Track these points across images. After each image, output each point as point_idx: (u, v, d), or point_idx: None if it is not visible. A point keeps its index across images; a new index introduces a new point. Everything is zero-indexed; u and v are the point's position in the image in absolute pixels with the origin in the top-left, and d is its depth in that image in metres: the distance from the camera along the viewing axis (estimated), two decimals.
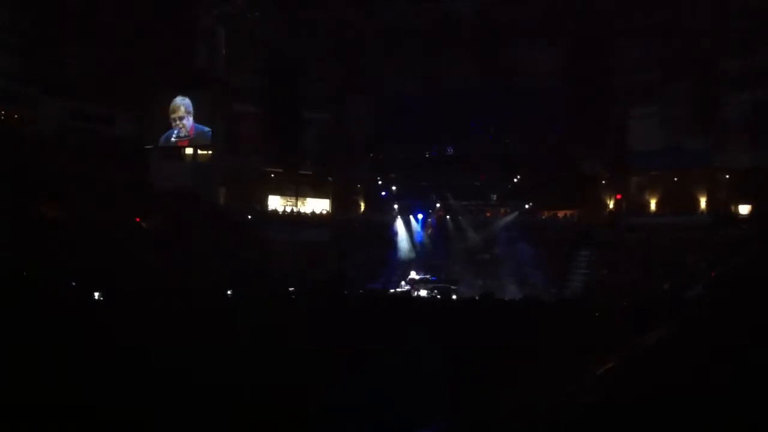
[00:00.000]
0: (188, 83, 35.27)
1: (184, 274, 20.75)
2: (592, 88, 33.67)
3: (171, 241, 26.69)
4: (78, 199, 26.34)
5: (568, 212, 37.43)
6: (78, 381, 5.15)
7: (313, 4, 34.27)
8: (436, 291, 29.69)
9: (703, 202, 33.57)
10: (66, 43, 31.10)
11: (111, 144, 31.96)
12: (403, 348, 6.93)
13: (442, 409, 5.20)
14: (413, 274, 32.04)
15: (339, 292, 22.06)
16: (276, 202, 39.04)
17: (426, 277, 31.65)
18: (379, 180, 39.42)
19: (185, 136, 36.01)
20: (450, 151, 38.05)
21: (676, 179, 34.57)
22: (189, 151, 36.76)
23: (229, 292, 19.16)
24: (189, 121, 35.75)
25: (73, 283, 16.27)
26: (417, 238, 37.71)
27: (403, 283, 31.61)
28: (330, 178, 39.77)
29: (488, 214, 38.03)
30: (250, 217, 36.48)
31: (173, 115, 35.83)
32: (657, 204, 35.02)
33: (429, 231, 38.12)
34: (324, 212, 39.52)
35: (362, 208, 40.18)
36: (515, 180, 37.31)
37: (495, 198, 38.05)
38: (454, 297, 28.31)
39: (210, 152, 36.78)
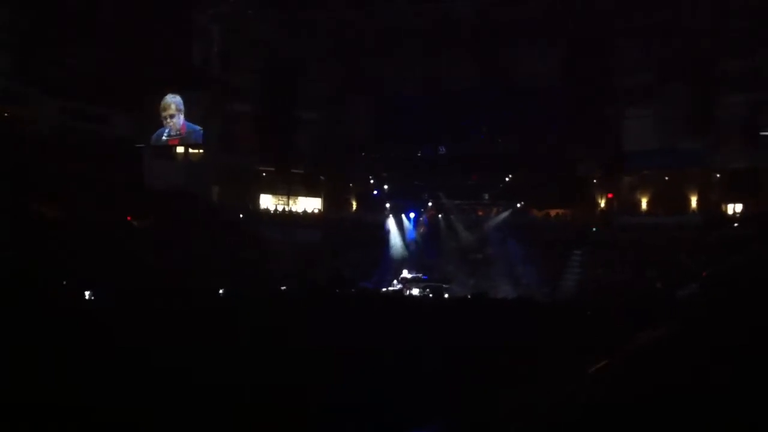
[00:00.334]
0: (181, 82, 35.13)
1: (181, 273, 20.71)
2: (589, 88, 33.75)
3: (166, 240, 26.61)
4: (76, 198, 26.26)
5: (561, 211, 37.54)
6: (78, 381, 5.13)
7: (312, 3, 34.22)
8: (428, 290, 29.72)
9: (694, 202, 33.74)
10: (62, 43, 30.95)
11: (108, 143, 31.84)
12: (402, 348, 6.93)
13: (442, 409, 5.21)
14: (405, 273, 32.05)
15: (334, 291, 22.04)
16: (268, 201, 38.97)
17: (418, 276, 31.65)
18: (372, 179, 39.39)
19: (177, 135, 35.85)
20: (442, 150, 38.03)
21: (667, 178, 34.73)
22: (180, 149, 36.63)
23: (221, 291, 19.16)
24: (180, 120, 35.61)
25: (64, 282, 16.21)
26: (409, 237, 37.67)
27: (395, 282, 31.62)
28: (322, 177, 39.72)
29: (480, 213, 38.07)
30: (242, 215, 36.39)
31: (164, 113, 35.68)
32: (648, 203, 35.18)
33: (421, 230, 38.12)
34: (316, 211, 39.49)
35: (354, 207, 40.17)
36: (507, 179, 37.32)
37: (487, 197, 38.06)
38: (446, 296, 28.36)
39: (201, 151, 36.65)
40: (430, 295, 28.60)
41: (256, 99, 36.85)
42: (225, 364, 5.93)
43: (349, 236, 35.90)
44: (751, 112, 31.11)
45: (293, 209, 39.15)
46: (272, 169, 38.44)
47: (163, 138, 35.81)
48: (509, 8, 32.87)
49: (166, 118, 35.59)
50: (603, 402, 4.73)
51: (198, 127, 35.58)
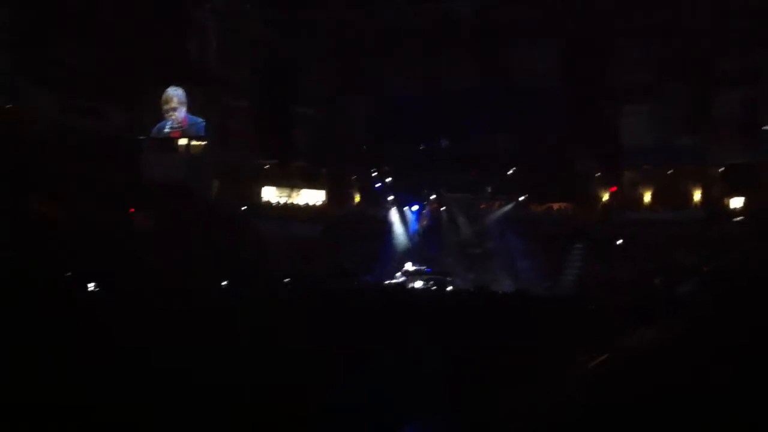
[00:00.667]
0: (183, 76, 35.00)
1: (182, 270, 20.71)
2: (589, 86, 33.75)
3: (166, 239, 26.57)
4: (76, 198, 26.23)
5: (562, 205, 37.53)
6: (78, 381, 5.14)
7: (312, 3, 34.15)
8: (431, 282, 29.82)
9: (695, 197, 33.73)
10: (59, 38, 30.81)
11: (108, 141, 31.72)
12: (402, 347, 6.93)
13: (442, 409, 5.22)
14: (408, 266, 32.13)
15: (334, 287, 22.02)
16: (270, 194, 38.91)
17: (421, 269, 31.80)
18: (374, 172, 39.37)
19: (178, 127, 35.75)
20: (443, 144, 38.07)
21: (669, 172, 34.71)
22: (182, 142, 36.53)
23: (223, 283, 19.16)
24: (182, 112, 35.50)
25: (67, 275, 16.22)
26: (412, 230, 37.73)
27: (398, 274, 31.71)
28: (324, 170, 39.69)
29: (483, 206, 38.09)
30: (244, 208, 36.32)
31: (166, 106, 35.55)
32: (650, 199, 35.16)
33: (424, 223, 38.16)
34: (318, 204, 39.46)
35: (356, 200, 40.16)
36: (509, 173, 37.31)
37: (489, 190, 38.09)
38: (449, 288, 28.47)
39: (203, 143, 36.56)
40: (434, 288, 28.72)
41: (256, 95, 36.81)
42: (225, 363, 5.93)
43: (351, 229, 35.91)
44: (750, 108, 31.13)
45: (296, 202, 39.11)
46: (275, 161, 38.36)
47: (165, 130, 35.70)
48: (509, 8, 32.86)
49: (167, 111, 35.48)
50: (603, 402, 4.76)
51: (200, 119, 35.47)
